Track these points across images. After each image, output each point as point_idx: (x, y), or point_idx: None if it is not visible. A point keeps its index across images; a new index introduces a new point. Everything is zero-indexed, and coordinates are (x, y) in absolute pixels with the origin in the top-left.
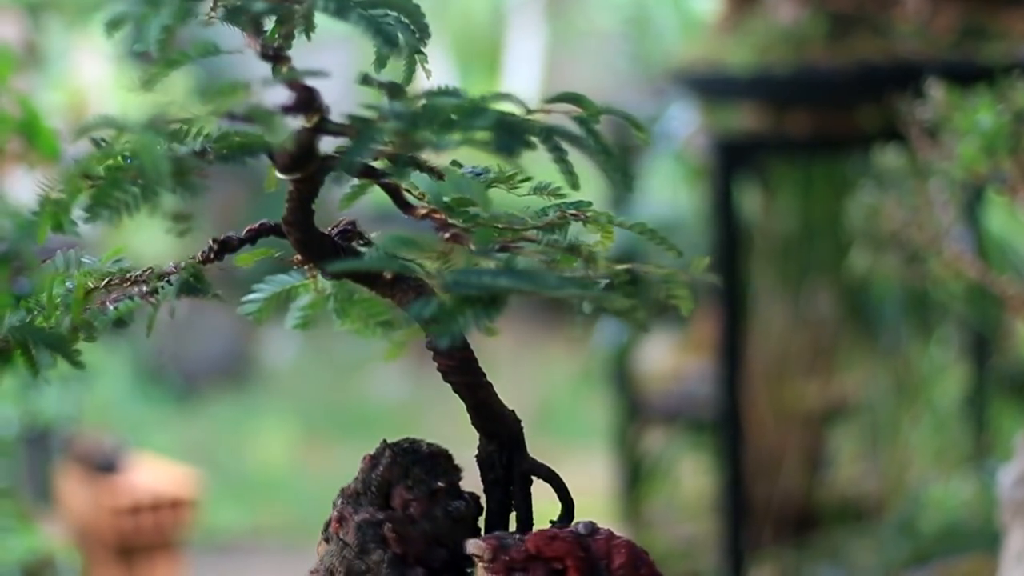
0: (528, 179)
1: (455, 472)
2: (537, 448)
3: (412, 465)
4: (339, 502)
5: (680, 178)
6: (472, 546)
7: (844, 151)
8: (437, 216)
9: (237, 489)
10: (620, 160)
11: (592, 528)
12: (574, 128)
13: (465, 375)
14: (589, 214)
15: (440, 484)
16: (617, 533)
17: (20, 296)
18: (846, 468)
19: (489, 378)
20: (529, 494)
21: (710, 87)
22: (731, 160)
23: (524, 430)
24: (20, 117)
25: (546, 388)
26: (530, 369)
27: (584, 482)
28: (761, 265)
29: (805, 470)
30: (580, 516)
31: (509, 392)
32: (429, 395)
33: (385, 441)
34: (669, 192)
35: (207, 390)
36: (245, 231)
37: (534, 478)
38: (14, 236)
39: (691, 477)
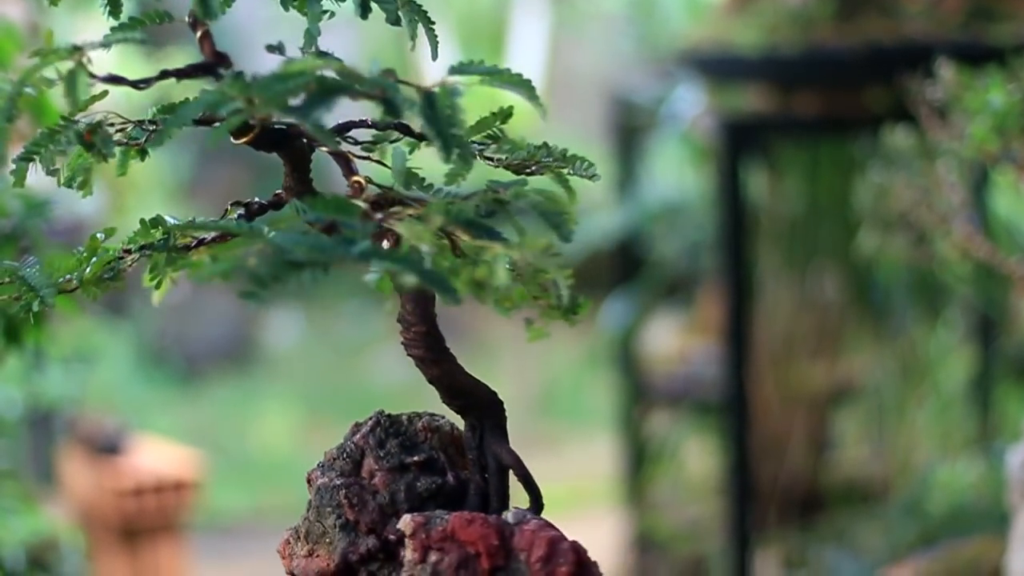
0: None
1: (443, 450)
2: (541, 431)
3: (388, 437)
4: (317, 464)
5: (686, 159)
6: (401, 521)
7: (852, 132)
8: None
9: (240, 471)
10: (452, 135)
11: (521, 517)
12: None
13: (419, 349)
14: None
15: (413, 459)
16: (551, 526)
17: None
18: (851, 450)
19: (493, 360)
20: (502, 474)
21: (717, 68)
22: (738, 141)
23: (525, 412)
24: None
25: (550, 371)
26: (534, 352)
27: (588, 465)
28: (767, 247)
29: (811, 452)
30: (584, 499)
31: (512, 376)
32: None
33: (379, 412)
34: (675, 173)
35: (210, 372)
36: (271, 196)
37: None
38: (22, 214)
39: (696, 459)
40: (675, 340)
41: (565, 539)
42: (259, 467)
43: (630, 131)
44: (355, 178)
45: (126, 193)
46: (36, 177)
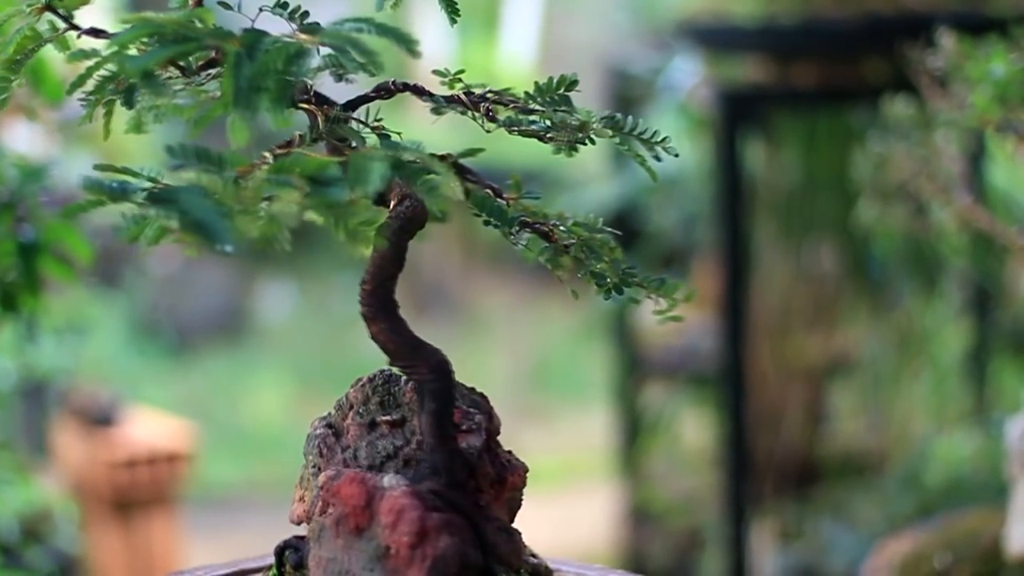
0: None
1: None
2: (535, 404)
3: (374, 394)
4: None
5: (683, 131)
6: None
7: (850, 103)
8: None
9: (232, 444)
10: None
11: (397, 482)
12: None
13: (363, 305)
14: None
15: (384, 418)
16: (418, 495)
17: (23, 243)
18: (847, 423)
19: (487, 334)
20: (433, 437)
21: (715, 39)
22: (735, 112)
23: (519, 385)
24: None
25: (544, 345)
26: (528, 326)
27: (583, 438)
28: (764, 219)
29: (807, 425)
30: (579, 472)
31: (506, 349)
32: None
33: (383, 368)
34: (672, 144)
35: (202, 345)
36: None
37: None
38: (18, 182)
39: (692, 432)
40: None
41: (418, 509)
42: (252, 439)
43: (627, 102)
44: None
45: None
46: (30, 144)
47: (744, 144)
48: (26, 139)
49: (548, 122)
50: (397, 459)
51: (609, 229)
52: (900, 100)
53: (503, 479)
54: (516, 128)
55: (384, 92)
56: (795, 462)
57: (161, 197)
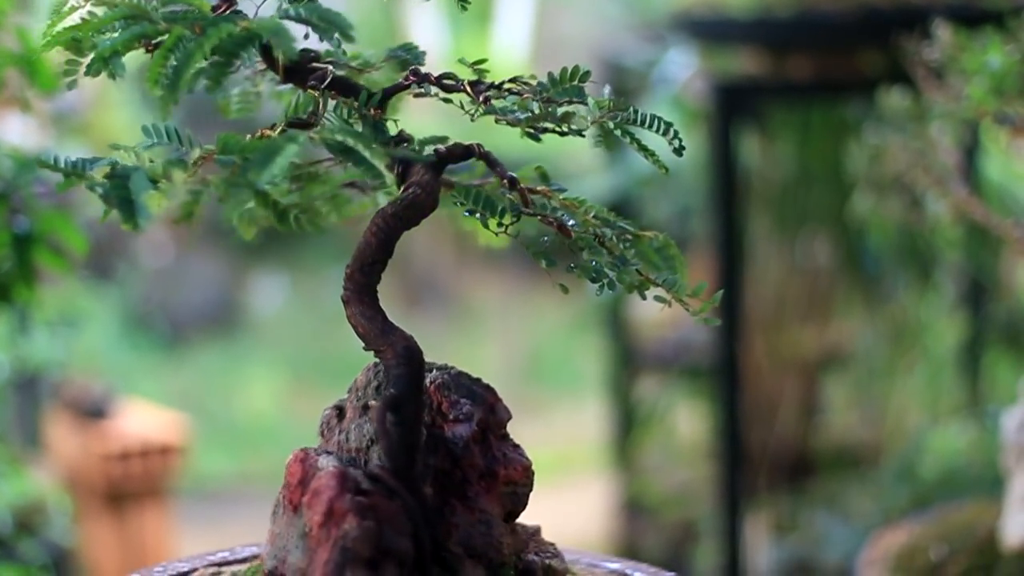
0: None
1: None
2: (528, 397)
3: (374, 378)
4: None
5: (678, 123)
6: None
7: (844, 96)
8: None
9: (225, 436)
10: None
11: (328, 464)
12: None
13: (343, 289)
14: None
15: (372, 402)
16: (343, 477)
17: (17, 234)
18: (842, 415)
19: (480, 326)
20: (382, 419)
21: (709, 31)
22: (730, 105)
23: (512, 378)
24: (19, 51)
25: (538, 337)
26: (521, 319)
27: (577, 430)
28: (758, 211)
29: (801, 417)
30: (573, 465)
31: (499, 341)
32: (421, 343)
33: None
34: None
35: (194, 338)
36: None
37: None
38: (13, 173)
39: (686, 424)
40: (665, 304)
41: (332, 491)
42: (244, 432)
43: (621, 95)
44: None
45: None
46: (24, 137)
47: (739, 136)
48: (19, 131)
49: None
50: (380, 447)
51: (626, 224)
52: (896, 92)
53: (494, 472)
54: (536, 125)
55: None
56: (789, 455)
57: (116, 175)
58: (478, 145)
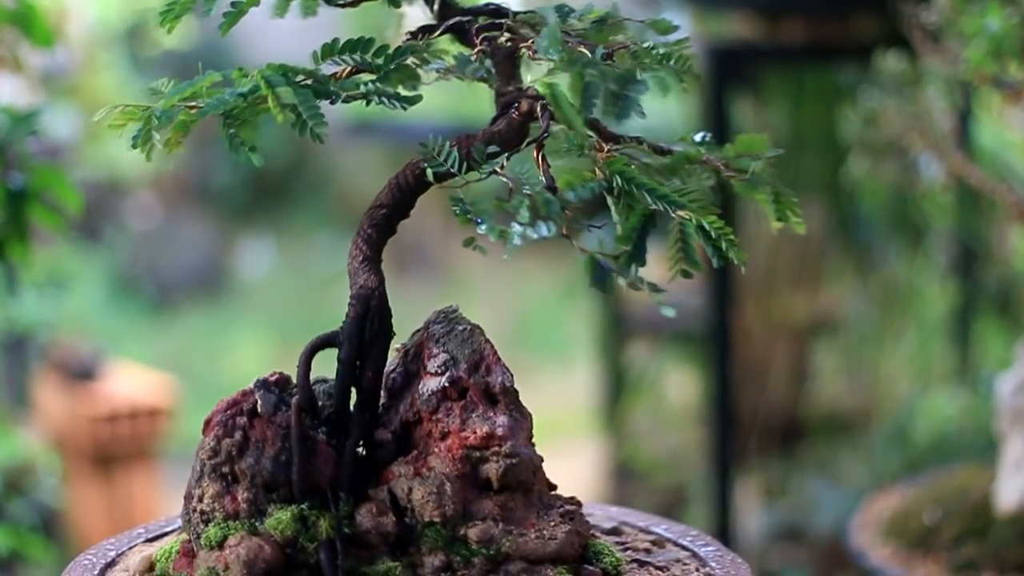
0: None
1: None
2: (517, 362)
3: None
4: None
5: (671, 86)
6: None
7: (839, 60)
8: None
9: (212, 400)
10: None
11: (269, 409)
12: None
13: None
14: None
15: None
16: (238, 410)
17: (12, 190)
18: (832, 381)
19: (467, 292)
20: (304, 358)
21: None
22: (723, 69)
23: (500, 343)
24: (14, 7)
25: (527, 303)
26: (509, 284)
27: (566, 396)
28: None
29: (791, 382)
30: (562, 430)
31: (487, 307)
32: (403, 308)
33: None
34: (659, 101)
35: (182, 301)
36: None
37: None
38: (7, 128)
39: (676, 389)
40: (656, 269)
41: (216, 413)
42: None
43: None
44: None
45: (101, 120)
46: (13, 97)
47: (731, 101)
48: (8, 92)
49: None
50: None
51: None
52: (891, 55)
53: (448, 433)
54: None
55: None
56: (780, 420)
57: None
58: None
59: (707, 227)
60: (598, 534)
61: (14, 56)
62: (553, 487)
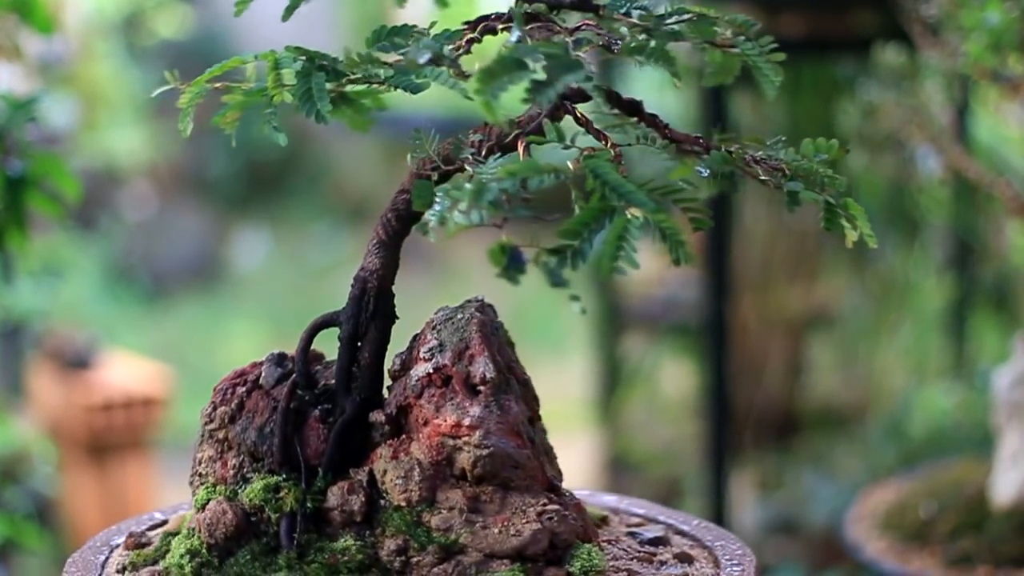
0: None
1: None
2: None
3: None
4: None
5: (668, 81)
6: None
7: (837, 54)
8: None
9: (206, 390)
10: None
11: (270, 381)
12: None
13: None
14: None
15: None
16: (243, 381)
17: (11, 177)
18: (828, 375)
19: (462, 284)
20: (305, 336)
21: None
22: None
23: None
24: None
25: (522, 294)
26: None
27: (561, 388)
28: None
29: (787, 376)
30: (558, 422)
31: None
32: (398, 299)
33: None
34: (656, 94)
35: (177, 291)
36: None
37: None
38: (6, 115)
39: (672, 381)
40: (652, 263)
41: (226, 382)
42: None
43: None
44: None
45: (97, 108)
46: (9, 85)
47: (729, 94)
48: (4, 80)
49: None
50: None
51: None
52: (890, 49)
53: (426, 420)
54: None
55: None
56: (776, 413)
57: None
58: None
59: (657, 225)
60: (602, 534)
61: (14, 44)
62: (553, 486)
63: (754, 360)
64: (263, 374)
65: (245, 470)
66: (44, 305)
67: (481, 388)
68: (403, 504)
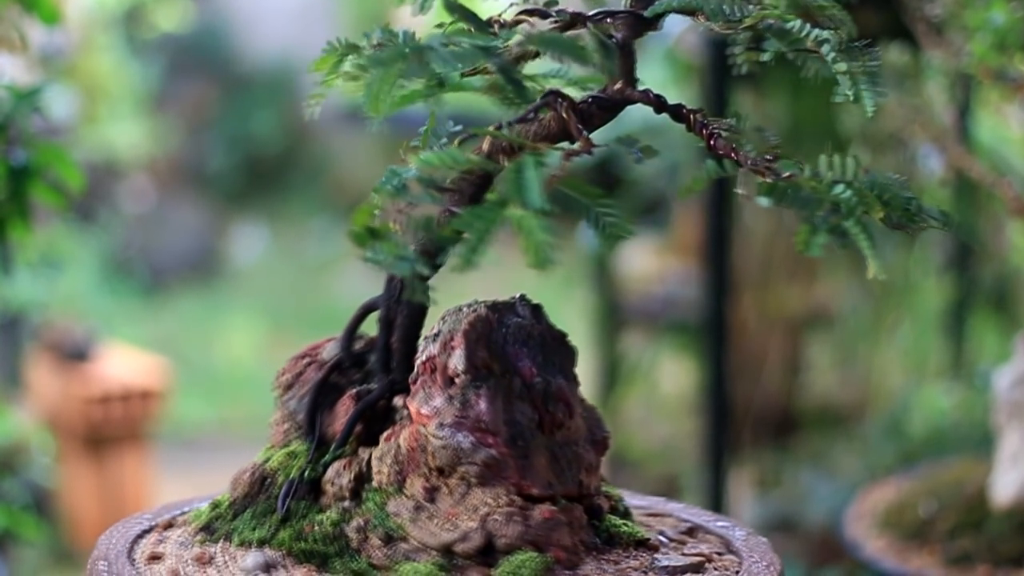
0: None
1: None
2: None
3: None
4: None
5: (670, 77)
6: None
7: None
8: None
9: (204, 383)
10: None
11: (328, 357)
12: None
13: None
14: None
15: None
16: (302, 359)
17: (14, 167)
18: (827, 374)
19: (463, 281)
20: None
21: None
22: (723, 59)
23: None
24: None
25: (521, 290)
26: (505, 272)
27: None
28: None
29: (786, 374)
30: None
31: (483, 296)
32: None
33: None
34: (659, 91)
35: (174, 285)
36: None
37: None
38: (11, 105)
39: (671, 379)
40: (652, 261)
41: (292, 360)
42: (223, 380)
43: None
44: None
45: (97, 101)
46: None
47: (731, 92)
48: (5, 72)
49: None
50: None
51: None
52: (894, 48)
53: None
54: None
55: None
56: (774, 411)
57: None
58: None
59: (517, 224)
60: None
61: (19, 35)
62: (528, 493)
63: (753, 358)
64: (326, 349)
65: (290, 436)
66: (42, 297)
67: (455, 380)
68: (378, 486)
